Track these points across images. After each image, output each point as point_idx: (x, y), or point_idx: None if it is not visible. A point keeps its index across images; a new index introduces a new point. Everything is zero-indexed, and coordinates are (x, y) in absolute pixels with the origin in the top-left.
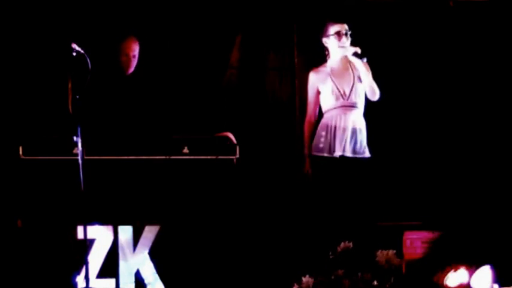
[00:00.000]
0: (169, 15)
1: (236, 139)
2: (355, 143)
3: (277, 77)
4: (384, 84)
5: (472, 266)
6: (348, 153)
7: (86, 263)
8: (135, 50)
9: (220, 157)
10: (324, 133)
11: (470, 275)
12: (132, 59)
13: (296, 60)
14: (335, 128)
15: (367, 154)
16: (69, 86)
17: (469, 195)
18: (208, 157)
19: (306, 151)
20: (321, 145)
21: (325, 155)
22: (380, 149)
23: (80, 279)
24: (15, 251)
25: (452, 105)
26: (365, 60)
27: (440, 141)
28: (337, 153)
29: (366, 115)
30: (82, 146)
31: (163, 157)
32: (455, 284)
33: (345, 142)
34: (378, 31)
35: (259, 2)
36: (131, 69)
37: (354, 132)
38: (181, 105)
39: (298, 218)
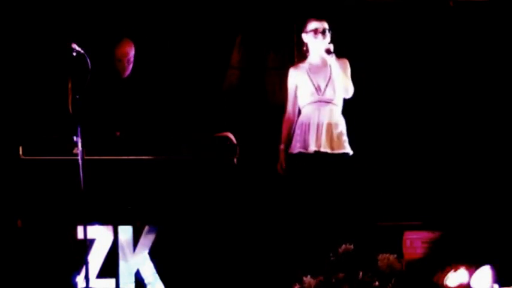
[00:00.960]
0: (169, 15)
1: (236, 139)
2: (331, 138)
3: (277, 77)
4: (384, 84)
5: (472, 266)
6: (325, 149)
7: (86, 263)
8: (129, 54)
9: (220, 157)
10: (299, 130)
11: (470, 275)
12: (126, 64)
13: (296, 60)
14: (309, 123)
15: (348, 150)
16: (69, 86)
17: (469, 195)
18: (209, 157)
19: (281, 147)
20: (298, 143)
21: (302, 151)
22: (380, 149)
23: (80, 279)
24: (15, 251)
25: (453, 105)
26: (333, 56)
27: (441, 141)
28: (312, 148)
29: (368, 113)
30: (82, 146)
31: (163, 157)
32: (455, 284)
33: (320, 137)
34: (377, 31)
35: (259, 2)
36: (127, 73)
37: (329, 127)
38: (181, 106)
39: (298, 217)
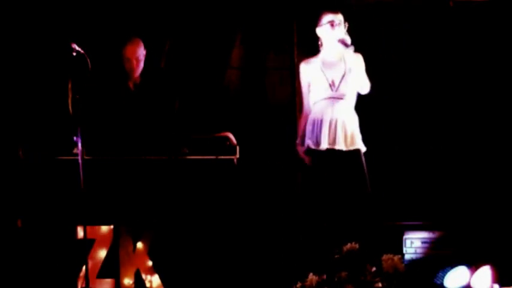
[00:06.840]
0: (169, 15)
1: (236, 139)
2: (345, 135)
3: (277, 77)
4: (383, 84)
5: (472, 266)
6: (339, 146)
7: (86, 263)
8: (138, 53)
9: (220, 157)
10: (311, 127)
11: (470, 275)
12: (136, 62)
13: (296, 60)
14: (321, 120)
15: (362, 147)
16: (69, 86)
17: (469, 195)
18: (209, 157)
19: (299, 145)
20: (309, 140)
21: (313, 147)
22: (380, 148)
23: (80, 279)
24: (15, 251)
25: (452, 105)
26: (351, 49)
27: (440, 141)
28: (323, 145)
29: (367, 112)
30: (82, 146)
31: (164, 157)
32: (455, 284)
33: (334, 134)
34: (377, 30)
35: (259, 2)
36: (137, 73)
37: (343, 124)
38: (181, 106)
39: (299, 217)
